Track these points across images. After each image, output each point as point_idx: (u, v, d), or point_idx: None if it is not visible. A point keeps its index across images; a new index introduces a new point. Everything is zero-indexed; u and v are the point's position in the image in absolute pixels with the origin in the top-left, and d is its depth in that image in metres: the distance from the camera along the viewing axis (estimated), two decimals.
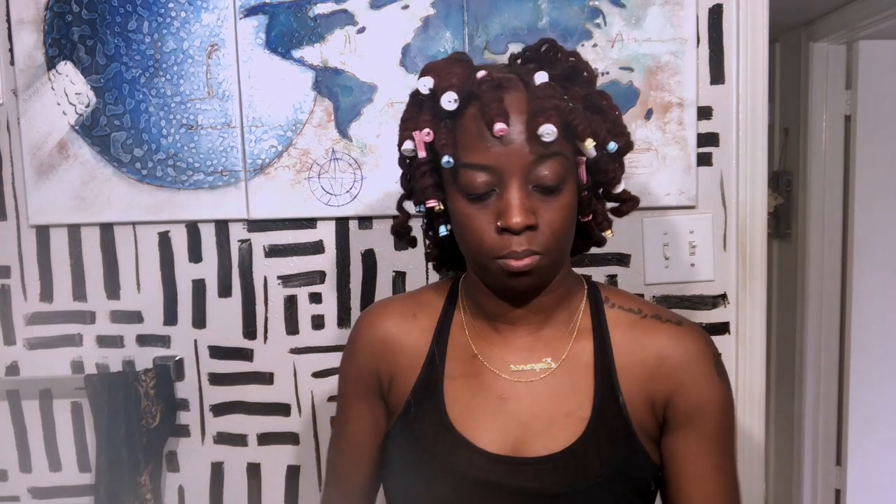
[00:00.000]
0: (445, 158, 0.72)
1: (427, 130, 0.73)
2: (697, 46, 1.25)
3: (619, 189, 0.77)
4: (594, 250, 1.09)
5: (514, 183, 0.69)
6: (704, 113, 1.27)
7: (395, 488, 0.81)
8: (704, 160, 1.28)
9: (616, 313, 0.81)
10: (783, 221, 2.59)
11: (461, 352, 0.81)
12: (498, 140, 0.69)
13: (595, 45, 1.25)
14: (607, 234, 0.79)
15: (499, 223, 0.70)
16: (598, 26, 1.24)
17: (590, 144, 0.71)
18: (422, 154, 0.74)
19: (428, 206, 0.77)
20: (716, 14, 1.25)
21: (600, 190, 0.79)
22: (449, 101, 0.71)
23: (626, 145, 0.77)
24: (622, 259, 1.29)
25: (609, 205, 0.83)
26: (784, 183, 2.56)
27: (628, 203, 0.81)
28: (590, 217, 0.78)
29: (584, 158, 0.74)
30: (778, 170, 2.61)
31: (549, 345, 0.79)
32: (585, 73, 0.76)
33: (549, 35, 1.24)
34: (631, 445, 0.75)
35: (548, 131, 0.67)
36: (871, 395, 2.33)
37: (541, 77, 0.71)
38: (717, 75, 1.26)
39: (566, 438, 0.74)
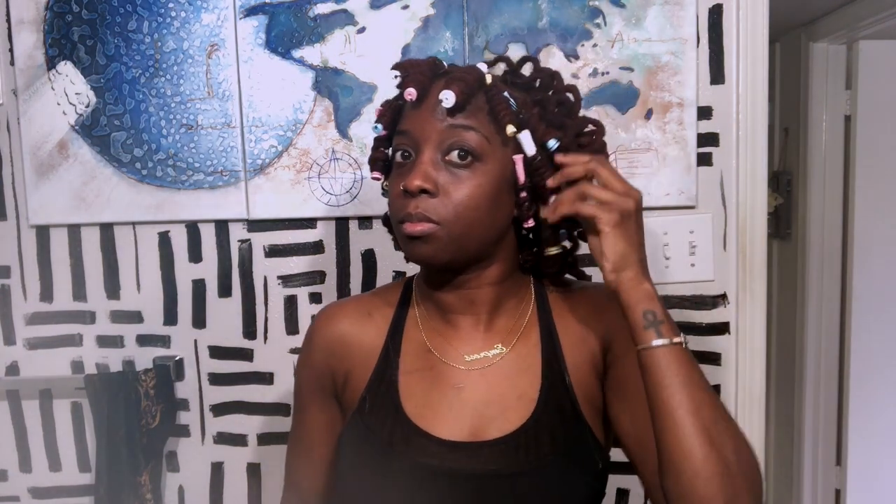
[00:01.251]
0: (374, 125, 0.81)
1: (379, 108, 0.82)
2: (697, 46, 1.25)
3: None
4: None
5: (424, 149, 0.75)
6: (704, 113, 1.27)
7: (350, 486, 0.81)
8: (704, 160, 1.28)
9: (555, 295, 0.85)
10: (783, 221, 2.59)
11: (416, 347, 0.84)
12: (418, 108, 0.75)
13: (595, 45, 1.25)
14: (550, 250, 0.79)
15: (401, 185, 0.75)
16: (598, 26, 1.24)
17: (510, 130, 0.74)
18: (377, 123, 0.81)
19: (372, 177, 0.84)
20: (716, 14, 1.25)
21: (542, 198, 0.78)
22: (394, 75, 0.79)
23: (567, 145, 0.78)
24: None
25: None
26: (784, 183, 2.57)
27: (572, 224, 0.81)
28: (531, 223, 0.78)
29: (522, 156, 0.75)
30: (778, 170, 2.61)
31: (500, 333, 0.83)
32: (555, 83, 0.81)
33: (550, 35, 1.24)
34: (578, 424, 0.78)
35: (446, 96, 0.72)
36: (871, 395, 2.33)
37: (479, 65, 0.77)
38: (717, 75, 1.26)
39: (519, 419, 0.77)
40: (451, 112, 0.74)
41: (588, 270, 1.29)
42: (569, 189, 0.74)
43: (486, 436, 0.77)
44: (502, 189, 0.76)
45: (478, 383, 0.80)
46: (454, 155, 0.74)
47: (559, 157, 0.76)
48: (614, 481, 1.29)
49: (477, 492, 0.75)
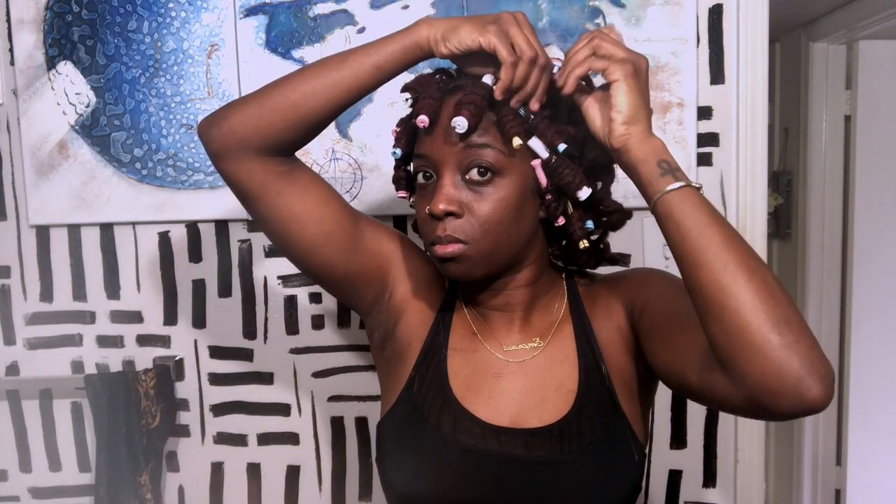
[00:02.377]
0: (392, 149, 0.82)
1: (395, 128, 0.83)
2: (697, 46, 1.25)
3: (583, 195, 0.77)
4: None
5: (444, 172, 0.76)
6: (704, 113, 1.27)
7: (393, 464, 0.82)
8: (704, 160, 1.28)
9: (585, 289, 0.88)
10: (783, 221, 2.59)
11: (462, 326, 0.86)
12: (432, 132, 0.76)
13: None
14: (581, 243, 0.80)
15: (426, 209, 0.76)
16: (598, 26, 1.24)
17: (516, 142, 0.74)
18: (395, 148, 0.82)
19: (399, 196, 0.86)
20: (716, 14, 1.25)
21: (567, 195, 0.79)
22: (405, 98, 0.81)
23: (581, 151, 0.79)
24: (622, 259, 1.29)
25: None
26: (784, 183, 2.56)
27: (616, 214, 0.83)
28: (561, 221, 0.79)
29: (540, 160, 0.77)
30: (778, 170, 2.61)
31: (537, 328, 0.85)
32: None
33: (550, 35, 1.24)
34: (616, 415, 0.80)
35: (458, 123, 0.73)
36: (871, 395, 2.33)
37: (485, 79, 0.76)
38: (717, 75, 1.26)
39: (558, 410, 0.80)
40: (465, 135, 0.75)
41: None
42: (580, 47, 0.74)
43: (526, 424, 0.79)
44: (525, 197, 0.77)
45: (516, 374, 0.82)
46: (474, 173, 0.75)
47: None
48: None
49: (518, 477, 0.77)
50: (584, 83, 0.78)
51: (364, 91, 0.78)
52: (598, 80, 0.79)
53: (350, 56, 0.77)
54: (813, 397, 0.61)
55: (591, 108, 0.75)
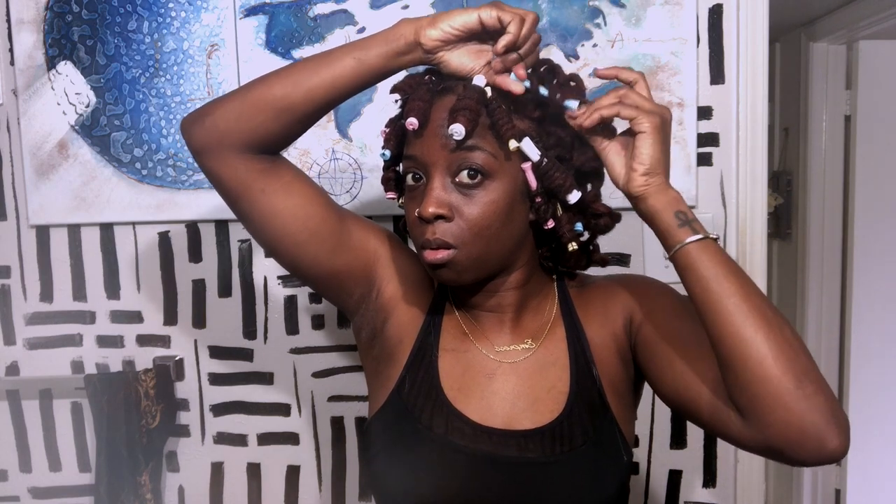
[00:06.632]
0: (381, 151, 0.82)
1: (384, 129, 0.83)
2: (697, 46, 1.25)
3: (572, 198, 0.77)
4: None
5: (434, 175, 0.75)
6: (704, 113, 1.27)
7: (383, 465, 0.82)
8: (704, 160, 1.28)
9: (576, 291, 0.87)
10: (783, 221, 2.59)
11: (453, 327, 0.86)
12: (422, 135, 0.76)
13: (595, 45, 1.24)
14: (570, 246, 0.80)
15: (416, 212, 0.76)
16: (598, 26, 1.24)
17: (512, 145, 0.74)
18: (384, 149, 0.82)
19: (387, 197, 0.86)
20: (716, 14, 1.25)
21: (557, 198, 0.79)
22: (394, 100, 0.81)
23: (570, 154, 0.79)
24: (622, 259, 1.29)
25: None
26: (784, 183, 2.57)
27: (605, 217, 0.82)
28: (551, 224, 0.79)
29: (530, 163, 0.76)
30: (778, 170, 2.61)
31: (528, 329, 0.85)
32: (555, 75, 0.81)
33: (550, 35, 1.24)
34: (605, 416, 0.80)
35: (456, 130, 0.72)
36: (871, 395, 2.33)
37: (477, 80, 0.75)
38: (717, 75, 1.26)
39: (550, 412, 0.80)
40: (461, 140, 0.74)
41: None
42: (609, 93, 0.75)
43: (519, 425, 0.79)
44: (515, 200, 0.77)
45: (508, 375, 0.82)
46: (464, 175, 0.75)
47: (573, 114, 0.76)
48: None
49: (511, 478, 0.77)
50: (610, 126, 0.78)
51: (346, 88, 0.77)
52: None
53: (333, 52, 0.77)
54: (833, 448, 0.63)
55: (612, 154, 0.76)
